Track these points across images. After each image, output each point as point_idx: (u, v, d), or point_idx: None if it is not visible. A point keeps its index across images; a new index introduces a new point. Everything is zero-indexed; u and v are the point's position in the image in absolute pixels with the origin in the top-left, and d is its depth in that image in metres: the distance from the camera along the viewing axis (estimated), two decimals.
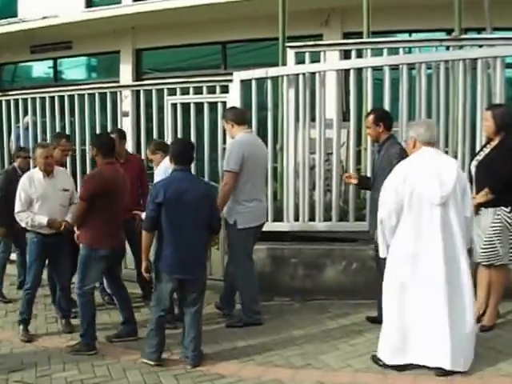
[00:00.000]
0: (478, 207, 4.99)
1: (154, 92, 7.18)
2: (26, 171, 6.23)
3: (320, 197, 6.53)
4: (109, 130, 7.24)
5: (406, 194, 4.29)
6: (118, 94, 7.44)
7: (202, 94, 6.93)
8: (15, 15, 12.93)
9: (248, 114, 6.38)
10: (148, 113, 7.25)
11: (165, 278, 4.80)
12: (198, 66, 11.72)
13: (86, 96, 7.52)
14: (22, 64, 14.23)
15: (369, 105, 6.43)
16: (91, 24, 11.37)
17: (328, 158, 6.84)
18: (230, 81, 6.74)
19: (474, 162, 5.23)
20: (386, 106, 6.15)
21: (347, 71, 6.61)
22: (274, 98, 6.73)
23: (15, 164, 7.03)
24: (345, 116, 7.87)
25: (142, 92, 7.29)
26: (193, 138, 6.95)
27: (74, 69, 13.70)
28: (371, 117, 5.33)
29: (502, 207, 4.99)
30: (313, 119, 6.57)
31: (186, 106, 6.97)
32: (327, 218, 6.58)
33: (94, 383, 4.56)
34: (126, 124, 7.45)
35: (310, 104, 6.50)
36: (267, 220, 6.29)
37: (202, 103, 6.93)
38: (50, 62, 13.54)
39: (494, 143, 5.12)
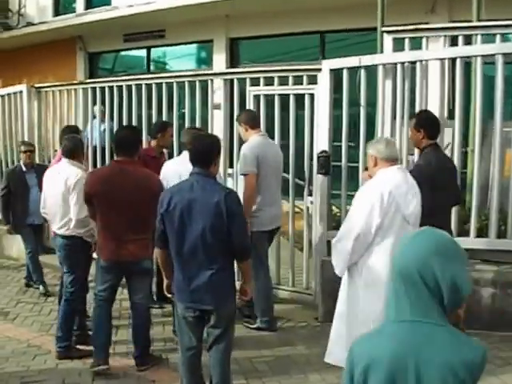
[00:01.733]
0: None
1: (235, 82, 6.61)
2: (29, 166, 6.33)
3: None
4: (197, 121, 6.83)
5: (388, 210, 4.04)
6: (209, 83, 6.86)
7: (287, 84, 6.28)
8: (109, 3, 12.77)
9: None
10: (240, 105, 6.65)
11: (179, 307, 3.98)
12: (294, 58, 11.02)
13: (175, 85, 7.05)
14: (116, 53, 14.12)
15: (478, 101, 5.52)
16: (184, 11, 10.95)
17: None
18: (319, 70, 6.02)
19: None
20: (498, 103, 5.25)
21: (453, 61, 5.72)
22: (369, 90, 5.92)
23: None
24: (450, 113, 6.91)
25: (235, 82, 6.69)
26: (276, 136, 6.33)
27: (167, 58, 13.40)
28: (413, 121, 4.93)
29: None
30: (412, 116, 5.75)
31: (269, 99, 6.37)
32: None
33: None
34: (218, 117, 6.82)
35: (410, 98, 5.68)
36: None
37: (288, 95, 6.29)
38: (144, 51, 13.31)
39: None
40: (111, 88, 7.60)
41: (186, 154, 5.27)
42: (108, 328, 4.74)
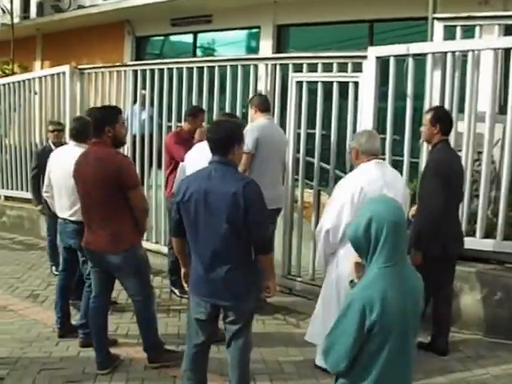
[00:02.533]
0: None
1: (277, 68, 6.41)
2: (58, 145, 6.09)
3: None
4: (238, 109, 6.71)
5: (358, 208, 3.77)
6: (251, 68, 6.66)
7: (331, 72, 6.05)
8: None
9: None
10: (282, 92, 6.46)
11: (192, 301, 3.80)
12: (341, 47, 10.71)
13: (216, 69, 6.88)
14: (164, 37, 14.06)
15: None
16: None
17: (478, 158, 5.70)
18: (364, 57, 5.77)
19: None
20: None
21: (507, 51, 5.39)
22: (416, 81, 5.61)
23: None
24: (501, 108, 6.56)
25: (277, 69, 6.47)
26: (318, 125, 6.12)
27: (213, 44, 13.25)
28: (430, 115, 4.81)
29: None
30: (461, 110, 5.46)
31: (312, 87, 6.15)
32: (470, 233, 5.44)
33: None
34: None
35: (460, 90, 5.39)
36: None
37: (331, 83, 6.05)
38: (190, 36, 13.20)
39: None
40: (152, 71, 7.50)
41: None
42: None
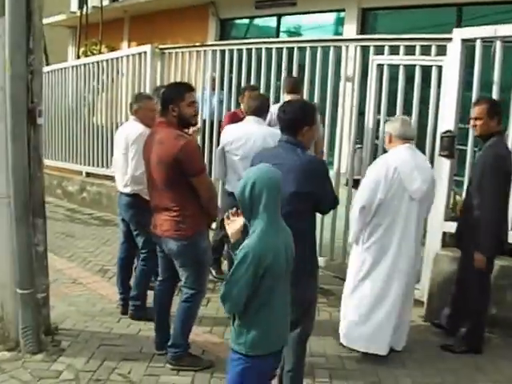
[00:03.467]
0: None
1: (357, 50, 6.17)
2: None
3: None
4: (316, 92, 6.54)
5: (391, 185, 4.30)
6: (332, 50, 6.42)
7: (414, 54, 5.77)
8: None
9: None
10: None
11: None
12: (428, 32, 10.25)
13: (296, 50, 6.69)
14: (247, 20, 13.99)
15: None
16: None
17: None
18: (449, 40, 5.45)
19: None
20: None
21: None
22: (505, 67, 5.22)
23: None
24: None
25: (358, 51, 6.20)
26: (398, 110, 5.86)
27: (297, 28, 13.04)
28: (486, 106, 4.61)
29: None
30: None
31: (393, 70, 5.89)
32: None
33: None
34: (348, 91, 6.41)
35: None
36: None
37: (413, 66, 5.77)
38: (274, 20, 13.05)
39: None
40: (231, 51, 7.43)
41: (248, 119, 5.35)
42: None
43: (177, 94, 4.12)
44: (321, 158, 5.18)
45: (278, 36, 12.99)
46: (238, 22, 14.31)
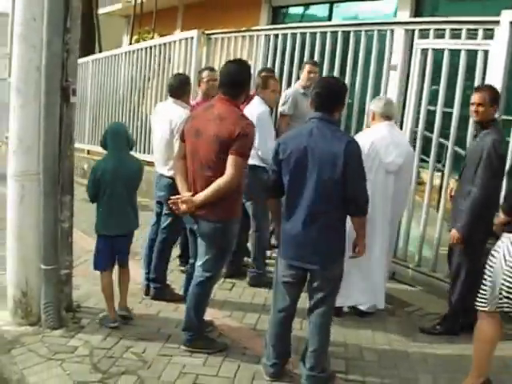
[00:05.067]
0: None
1: (402, 34, 5.94)
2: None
3: None
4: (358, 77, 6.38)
5: (368, 159, 4.42)
6: (375, 34, 6.22)
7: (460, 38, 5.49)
8: None
9: None
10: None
11: (280, 264, 3.74)
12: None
13: (340, 34, 6.53)
14: (300, 8, 13.75)
15: None
16: None
17: None
18: (497, 23, 5.16)
19: None
20: None
21: None
22: None
23: None
24: None
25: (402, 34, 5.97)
26: (440, 97, 5.62)
27: (349, 15, 12.73)
28: (488, 93, 4.58)
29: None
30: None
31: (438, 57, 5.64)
32: None
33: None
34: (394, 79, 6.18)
35: None
36: None
37: (459, 51, 5.51)
38: (326, 7, 12.80)
39: None
40: (276, 36, 7.31)
41: (256, 100, 5.54)
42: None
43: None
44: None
45: None
46: (290, 10, 14.09)
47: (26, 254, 4.45)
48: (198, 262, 4.12)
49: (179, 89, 5.12)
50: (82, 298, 4.91)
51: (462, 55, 5.46)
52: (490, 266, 3.54)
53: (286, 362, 3.85)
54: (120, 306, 4.59)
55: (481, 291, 3.60)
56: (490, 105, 4.54)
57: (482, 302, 3.59)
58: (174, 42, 9.14)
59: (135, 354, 4.05)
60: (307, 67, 6.47)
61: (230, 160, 3.83)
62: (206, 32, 8.63)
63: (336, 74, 6.49)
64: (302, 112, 6.22)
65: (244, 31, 8.09)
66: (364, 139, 4.61)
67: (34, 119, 4.25)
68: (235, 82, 3.99)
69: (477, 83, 5.28)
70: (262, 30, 8.17)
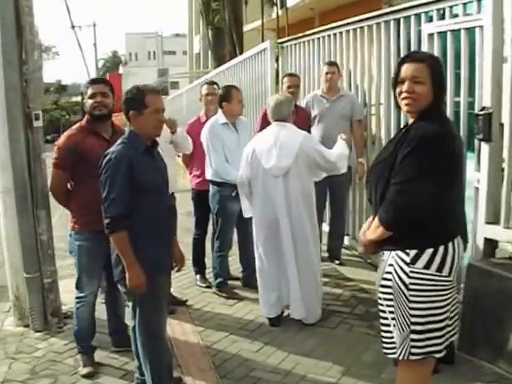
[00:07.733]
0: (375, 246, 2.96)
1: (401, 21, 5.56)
2: None
3: None
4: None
5: (253, 166, 4.72)
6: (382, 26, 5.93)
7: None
8: None
9: None
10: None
11: None
12: None
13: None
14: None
15: None
16: None
17: None
18: None
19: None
20: None
21: None
22: None
23: None
24: None
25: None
26: (449, 80, 5.10)
27: None
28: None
29: (399, 252, 2.79)
30: None
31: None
32: None
33: None
34: None
35: None
36: None
37: (459, 30, 4.98)
38: None
39: None
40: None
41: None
42: None
43: None
44: None
45: None
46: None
47: (15, 262, 5.01)
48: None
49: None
50: None
51: (463, 35, 4.92)
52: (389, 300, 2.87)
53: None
54: None
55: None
56: None
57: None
58: (251, 56, 9.33)
59: (76, 361, 4.29)
60: (324, 69, 6.35)
61: None
62: (278, 41, 8.70)
63: None
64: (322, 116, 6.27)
65: (309, 35, 7.89)
66: (248, 147, 4.82)
67: (4, 143, 4.82)
68: None
69: (478, 68, 4.74)
70: (323, 30, 7.86)
